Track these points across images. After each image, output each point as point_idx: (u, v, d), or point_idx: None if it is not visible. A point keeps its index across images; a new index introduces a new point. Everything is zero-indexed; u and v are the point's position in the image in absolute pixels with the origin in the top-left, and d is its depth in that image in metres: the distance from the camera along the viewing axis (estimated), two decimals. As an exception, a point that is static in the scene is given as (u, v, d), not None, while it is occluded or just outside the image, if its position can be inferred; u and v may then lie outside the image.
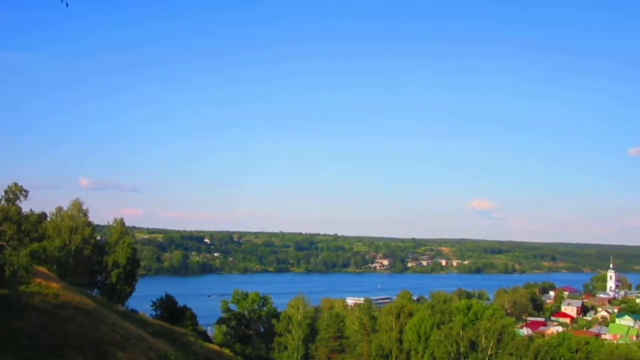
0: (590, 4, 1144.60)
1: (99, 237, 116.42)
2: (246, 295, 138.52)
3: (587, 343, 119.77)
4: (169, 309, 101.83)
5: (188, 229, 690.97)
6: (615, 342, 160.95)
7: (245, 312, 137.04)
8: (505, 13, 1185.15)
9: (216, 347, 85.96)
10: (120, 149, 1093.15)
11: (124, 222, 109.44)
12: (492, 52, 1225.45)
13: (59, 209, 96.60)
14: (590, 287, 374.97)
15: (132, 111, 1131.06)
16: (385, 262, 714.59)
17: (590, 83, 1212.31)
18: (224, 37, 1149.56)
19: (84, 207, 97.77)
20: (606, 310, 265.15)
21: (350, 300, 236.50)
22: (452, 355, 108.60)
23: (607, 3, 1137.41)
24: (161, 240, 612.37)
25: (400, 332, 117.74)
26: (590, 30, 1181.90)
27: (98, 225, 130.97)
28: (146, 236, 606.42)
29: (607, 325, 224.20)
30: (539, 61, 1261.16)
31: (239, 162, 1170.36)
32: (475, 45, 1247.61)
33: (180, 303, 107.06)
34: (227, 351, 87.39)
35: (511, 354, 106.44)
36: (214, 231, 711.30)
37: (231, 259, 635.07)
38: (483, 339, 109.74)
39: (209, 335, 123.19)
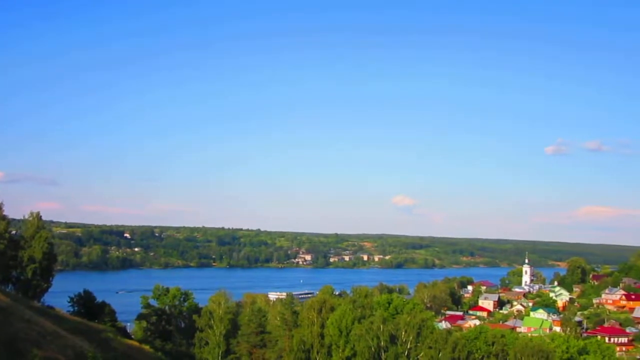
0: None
1: (14, 232, 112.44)
2: (167, 290, 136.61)
3: (502, 336, 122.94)
4: (87, 305, 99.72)
5: (108, 224, 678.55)
6: (529, 334, 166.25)
7: (166, 308, 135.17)
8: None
9: (136, 344, 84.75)
10: (37, 142, 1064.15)
11: (41, 216, 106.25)
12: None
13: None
14: (507, 282, 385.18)
15: (50, 105, 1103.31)
16: (308, 257, 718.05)
17: (511, 82, 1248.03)
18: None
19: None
20: (521, 304, 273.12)
21: (272, 296, 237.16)
22: (373, 349, 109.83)
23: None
24: (80, 234, 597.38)
25: (322, 326, 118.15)
26: (513, 24, 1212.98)
27: (13, 219, 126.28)
28: (64, 230, 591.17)
29: (522, 319, 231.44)
30: (466, 51, 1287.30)
31: (160, 155, 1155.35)
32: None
33: (99, 299, 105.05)
34: (147, 347, 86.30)
35: (430, 347, 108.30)
36: (135, 226, 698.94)
37: (152, 254, 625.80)
38: (403, 333, 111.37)
39: (128, 331, 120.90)
